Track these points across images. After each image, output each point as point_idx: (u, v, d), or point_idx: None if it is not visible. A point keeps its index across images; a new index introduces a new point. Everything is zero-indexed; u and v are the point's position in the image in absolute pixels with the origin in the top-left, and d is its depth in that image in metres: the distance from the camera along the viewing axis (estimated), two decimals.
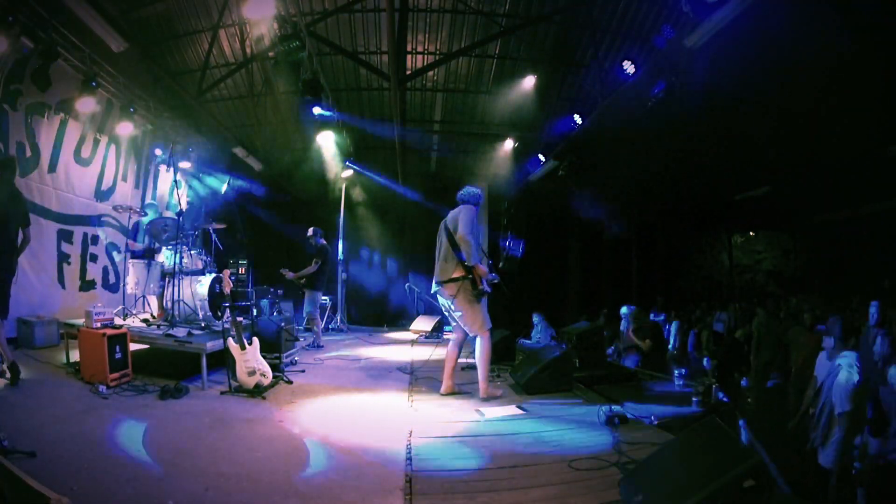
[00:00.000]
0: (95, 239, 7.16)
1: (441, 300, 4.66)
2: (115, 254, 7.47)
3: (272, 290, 7.41)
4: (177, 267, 5.81)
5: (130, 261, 6.30)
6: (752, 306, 9.20)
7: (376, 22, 8.19)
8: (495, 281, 4.82)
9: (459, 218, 4.44)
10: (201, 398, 4.45)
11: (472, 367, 6.24)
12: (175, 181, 6.62)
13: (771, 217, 13.43)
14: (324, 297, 10.34)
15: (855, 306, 8.29)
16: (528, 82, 8.61)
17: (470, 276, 4.36)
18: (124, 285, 6.54)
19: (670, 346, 7.98)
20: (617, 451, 3.27)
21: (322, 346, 7.61)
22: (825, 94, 6.71)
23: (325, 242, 7.83)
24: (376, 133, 10.84)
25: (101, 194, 7.30)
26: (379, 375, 5.90)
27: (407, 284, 10.38)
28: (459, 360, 6.24)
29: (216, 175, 9.91)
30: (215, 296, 6.03)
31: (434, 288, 4.68)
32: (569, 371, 5.21)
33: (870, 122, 7.09)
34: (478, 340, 4.58)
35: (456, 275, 4.42)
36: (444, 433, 3.71)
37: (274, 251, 11.21)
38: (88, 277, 7.01)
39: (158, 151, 8.28)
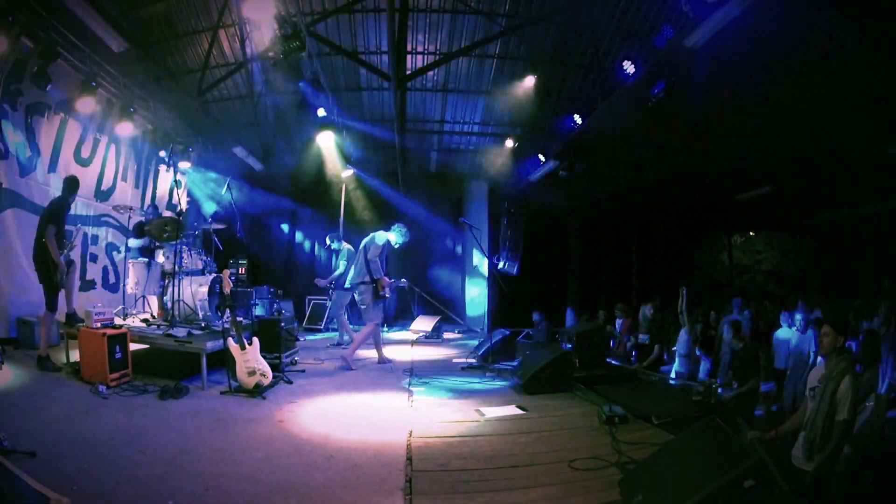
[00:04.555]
0: (95, 239, 7.16)
1: (354, 294, 6.65)
2: (114, 254, 7.47)
3: (271, 290, 7.42)
4: (177, 267, 5.81)
5: (130, 261, 6.30)
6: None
7: (376, 22, 8.19)
8: (402, 285, 7.20)
9: (371, 246, 6.30)
10: (201, 398, 4.45)
11: (471, 366, 6.32)
12: (175, 181, 6.62)
13: (771, 217, 13.40)
14: (324, 298, 10.37)
15: (857, 306, 8.25)
16: (528, 82, 8.60)
17: (374, 283, 6.26)
18: (124, 285, 6.54)
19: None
20: (617, 451, 3.27)
21: (342, 344, 7.79)
22: (826, 94, 6.70)
23: (345, 243, 8.16)
24: (376, 133, 10.85)
25: (101, 194, 7.29)
26: (379, 375, 5.90)
27: (407, 284, 10.40)
28: (459, 361, 6.48)
29: (216, 175, 9.91)
30: (215, 296, 6.03)
31: (349, 284, 6.74)
32: (569, 371, 5.22)
33: (870, 121, 7.07)
34: (366, 325, 6.50)
35: (367, 280, 6.28)
36: (444, 433, 3.71)
37: (274, 251, 11.23)
38: (88, 277, 7.00)
39: (157, 151, 8.29)
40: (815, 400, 3.16)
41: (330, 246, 8.35)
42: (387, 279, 6.37)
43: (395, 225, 6.59)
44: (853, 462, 3.17)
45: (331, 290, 8.26)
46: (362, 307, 6.43)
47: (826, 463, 3.00)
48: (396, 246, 6.56)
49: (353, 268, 6.62)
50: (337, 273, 8.00)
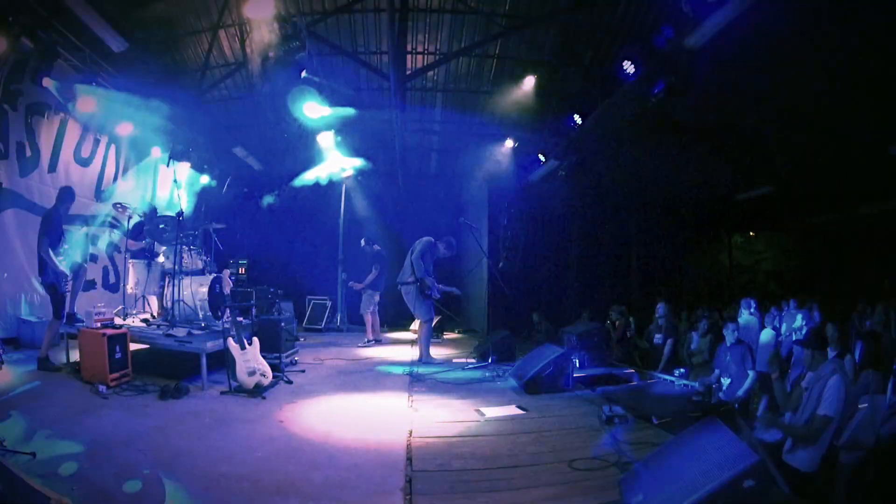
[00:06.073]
0: (95, 239, 7.16)
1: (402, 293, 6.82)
2: (115, 254, 7.47)
3: (272, 289, 7.40)
4: (177, 267, 5.80)
5: (130, 261, 6.29)
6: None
7: (376, 22, 8.18)
8: (454, 292, 7.13)
9: (418, 247, 6.65)
10: (201, 398, 4.45)
11: (471, 366, 6.34)
12: (175, 181, 6.61)
13: (771, 217, 13.40)
14: (323, 298, 10.38)
15: (861, 309, 8.20)
16: (528, 82, 8.60)
17: (418, 283, 6.51)
18: (124, 285, 6.54)
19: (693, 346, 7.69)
20: (617, 451, 3.27)
21: (377, 341, 8.09)
22: (825, 94, 6.71)
23: (379, 248, 8.44)
24: (376, 133, 10.83)
25: (101, 194, 7.30)
26: (379, 375, 5.90)
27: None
28: (459, 361, 6.53)
29: (216, 175, 9.91)
30: (215, 296, 6.02)
31: (398, 283, 6.83)
32: (569, 371, 5.22)
33: (870, 122, 7.08)
34: (420, 325, 6.78)
35: (410, 280, 6.57)
36: (444, 433, 3.71)
37: (274, 251, 11.21)
38: (88, 277, 6.99)
39: (157, 151, 8.28)
40: (805, 397, 3.21)
41: (364, 248, 8.53)
42: (431, 279, 6.58)
43: (446, 237, 6.91)
44: (858, 465, 3.18)
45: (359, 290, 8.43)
46: (410, 306, 6.72)
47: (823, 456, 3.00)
48: (442, 255, 6.85)
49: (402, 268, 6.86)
50: (371, 277, 8.18)
